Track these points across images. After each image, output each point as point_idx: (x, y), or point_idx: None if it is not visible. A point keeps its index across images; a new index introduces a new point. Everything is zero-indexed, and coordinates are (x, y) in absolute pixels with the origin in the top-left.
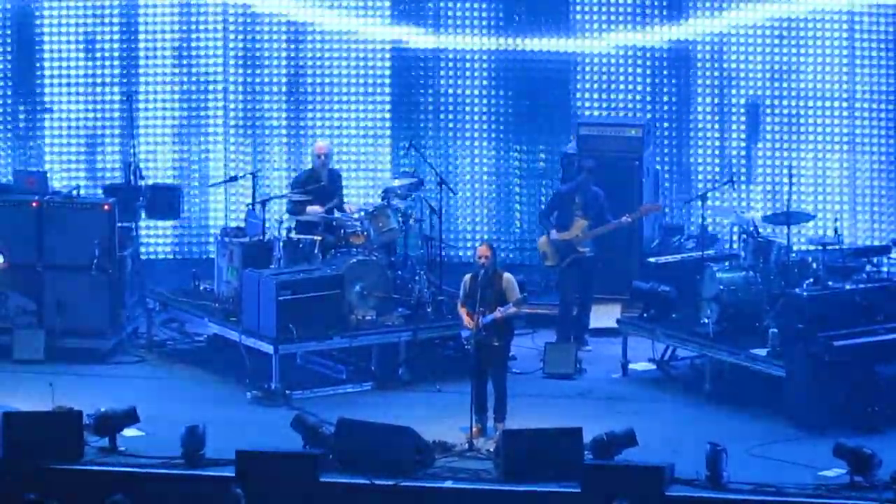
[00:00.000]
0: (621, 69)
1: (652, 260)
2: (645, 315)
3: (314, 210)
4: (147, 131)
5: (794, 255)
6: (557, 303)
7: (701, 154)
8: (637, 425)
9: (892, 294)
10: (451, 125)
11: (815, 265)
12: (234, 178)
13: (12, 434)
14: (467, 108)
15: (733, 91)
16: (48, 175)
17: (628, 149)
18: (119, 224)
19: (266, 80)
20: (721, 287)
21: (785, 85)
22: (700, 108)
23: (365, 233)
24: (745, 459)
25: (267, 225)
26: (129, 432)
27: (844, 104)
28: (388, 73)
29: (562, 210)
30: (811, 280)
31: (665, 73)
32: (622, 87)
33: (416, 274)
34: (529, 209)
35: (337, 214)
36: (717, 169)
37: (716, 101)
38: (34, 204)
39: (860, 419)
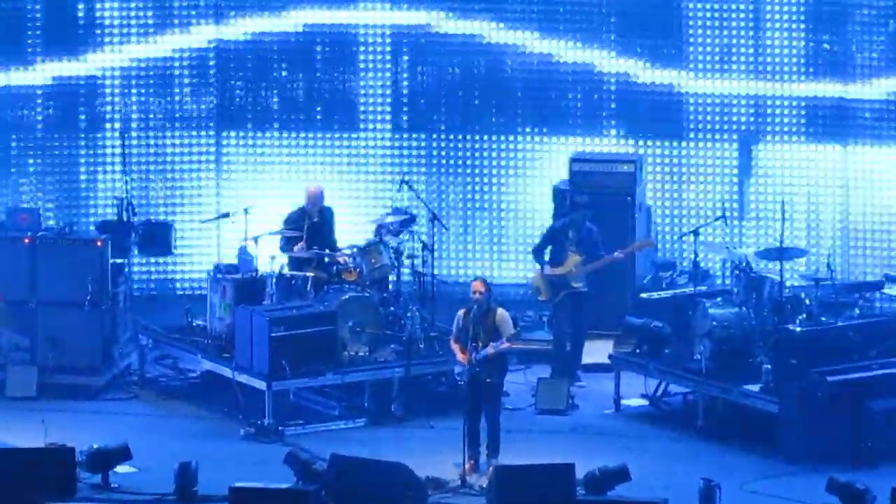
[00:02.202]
0: None
1: (644, 296)
2: (637, 351)
3: (299, 248)
4: (140, 168)
5: (786, 290)
6: (550, 338)
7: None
8: (630, 461)
9: (885, 330)
10: (443, 161)
11: (807, 301)
12: (227, 215)
13: (5, 471)
14: (459, 145)
15: (725, 126)
16: (40, 211)
17: (620, 184)
18: (112, 260)
19: (259, 115)
20: (714, 323)
21: (777, 121)
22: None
23: (357, 269)
24: (738, 495)
25: (259, 261)
26: (121, 469)
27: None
28: (379, 108)
29: (555, 245)
30: (804, 316)
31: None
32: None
33: (409, 310)
34: (524, 244)
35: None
36: (709, 204)
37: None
38: (27, 240)
39: (853, 454)
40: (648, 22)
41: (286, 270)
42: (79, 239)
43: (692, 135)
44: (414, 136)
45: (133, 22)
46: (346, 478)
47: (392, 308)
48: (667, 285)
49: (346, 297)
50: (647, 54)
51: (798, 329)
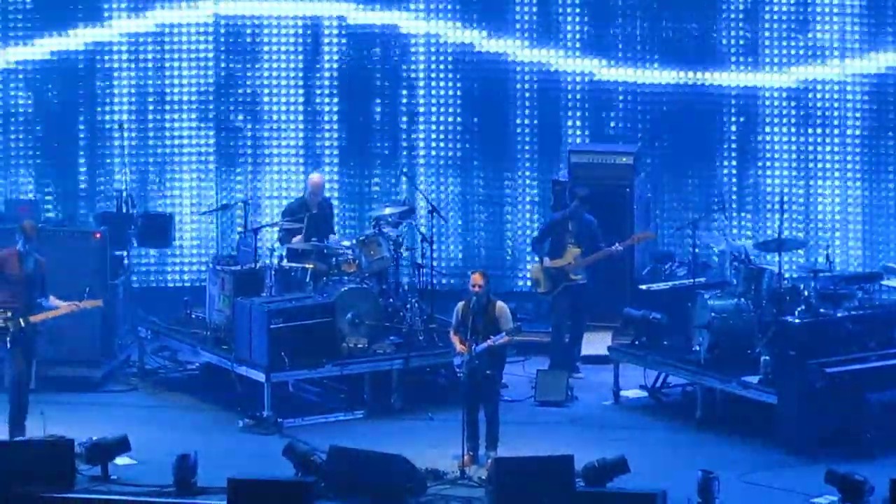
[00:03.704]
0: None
1: (643, 287)
2: (636, 342)
3: (296, 240)
4: (139, 160)
5: (785, 282)
6: (549, 330)
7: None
8: (629, 452)
9: (884, 321)
10: (441, 153)
11: (806, 292)
12: (226, 207)
13: (3, 463)
14: (458, 137)
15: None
16: (39, 203)
17: (619, 176)
18: (111, 252)
19: (257, 108)
20: (712, 314)
21: (776, 112)
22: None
23: (356, 261)
24: (737, 486)
25: (259, 253)
26: (120, 461)
27: (836, 132)
28: (375, 100)
29: (554, 237)
30: (803, 307)
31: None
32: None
33: (408, 302)
34: (522, 237)
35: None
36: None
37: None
38: None
39: (852, 446)
40: None
41: (285, 262)
42: (77, 231)
43: None
44: None
45: None
46: (345, 470)
47: (391, 300)
48: (666, 277)
49: (346, 288)
50: None
51: (797, 320)
